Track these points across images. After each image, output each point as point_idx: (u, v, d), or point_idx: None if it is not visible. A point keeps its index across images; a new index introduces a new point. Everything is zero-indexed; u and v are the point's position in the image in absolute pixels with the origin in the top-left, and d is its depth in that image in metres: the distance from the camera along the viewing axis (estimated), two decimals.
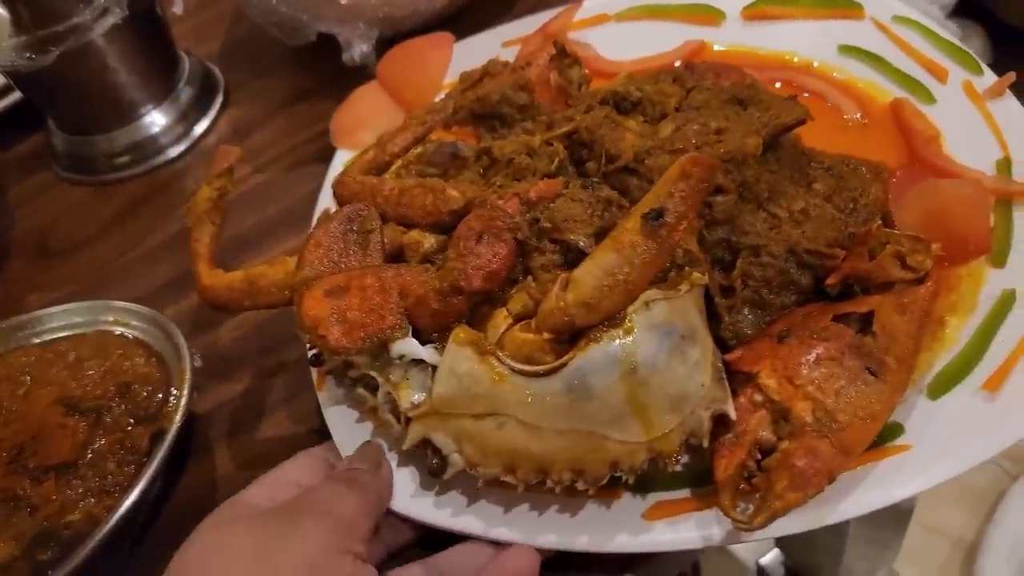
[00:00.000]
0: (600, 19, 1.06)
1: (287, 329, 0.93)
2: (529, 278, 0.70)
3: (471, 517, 0.70)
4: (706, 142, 0.76)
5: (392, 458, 0.74)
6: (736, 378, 0.68)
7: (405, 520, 0.71)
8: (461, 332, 0.67)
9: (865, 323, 0.69)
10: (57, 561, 0.73)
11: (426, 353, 0.69)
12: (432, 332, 0.70)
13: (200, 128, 1.24)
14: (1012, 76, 0.84)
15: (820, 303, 0.72)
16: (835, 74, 0.94)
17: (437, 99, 0.98)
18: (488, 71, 0.95)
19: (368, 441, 0.75)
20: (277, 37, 1.18)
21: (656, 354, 0.63)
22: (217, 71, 1.31)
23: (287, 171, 1.14)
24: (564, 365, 0.63)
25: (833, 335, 0.67)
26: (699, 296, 0.67)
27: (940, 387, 0.68)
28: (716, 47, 1.01)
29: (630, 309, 0.63)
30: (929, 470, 0.63)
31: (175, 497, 0.84)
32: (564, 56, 0.94)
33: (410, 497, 0.72)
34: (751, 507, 0.62)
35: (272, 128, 1.21)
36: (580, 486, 0.64)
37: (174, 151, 1.21)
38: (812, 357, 0.66)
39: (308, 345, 0.78)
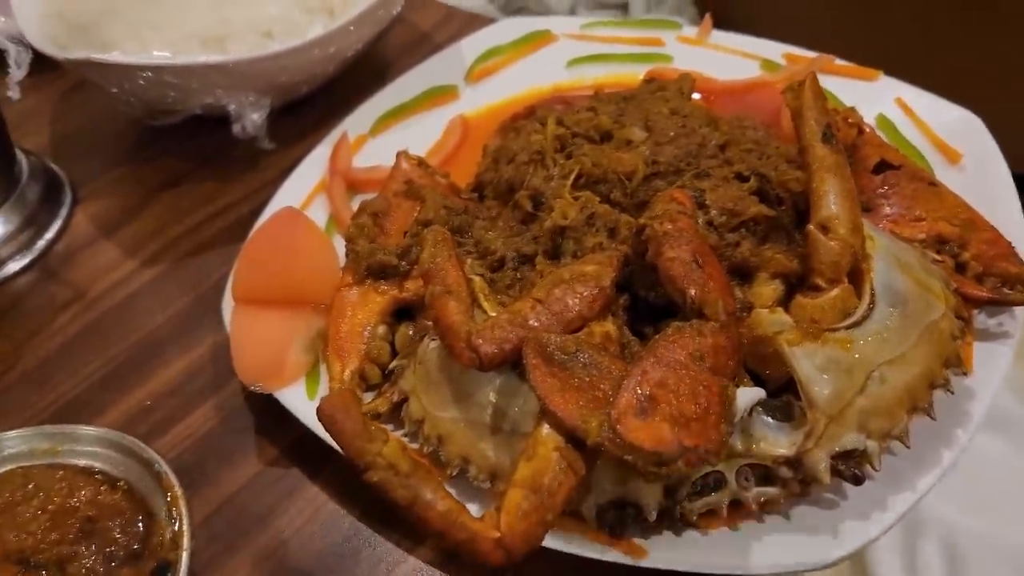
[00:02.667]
0: (360, 141, 0.98)
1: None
2: (734, 280, 0.67)
3: None
4: (677, 122, 0.80)
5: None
6: None
7: None
8: (791, 335, 0.61)
9: (879, 170, 0.83)
10: None
11: (759, 392, 0.61)
12: (735, 377, 0.62)
13: (50, 234, 1.01)
14: (709, 15, 1.06)
15: None
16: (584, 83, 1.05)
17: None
18: (374, 212, 0.82)
19: None
20: (137, 116, 1.06)
21: (889, 242, 0.69)
22: (54, 166, 1.08)
23: (183, 261, 0.97)
24: (873, 292, 0.64)
25: (896, 180, 0.79)
26: None
27: None
28: None
29: None
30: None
31: None
32: (418, 161, 0.87)
33: None
34: None
35: (148, 219, 1.02)
36: (955, 374, 0.65)
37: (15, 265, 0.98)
38: (905, 200, 0.78)
39: (602, 517, 0.61)
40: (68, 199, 1.05)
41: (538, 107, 0.93)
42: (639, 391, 0.57)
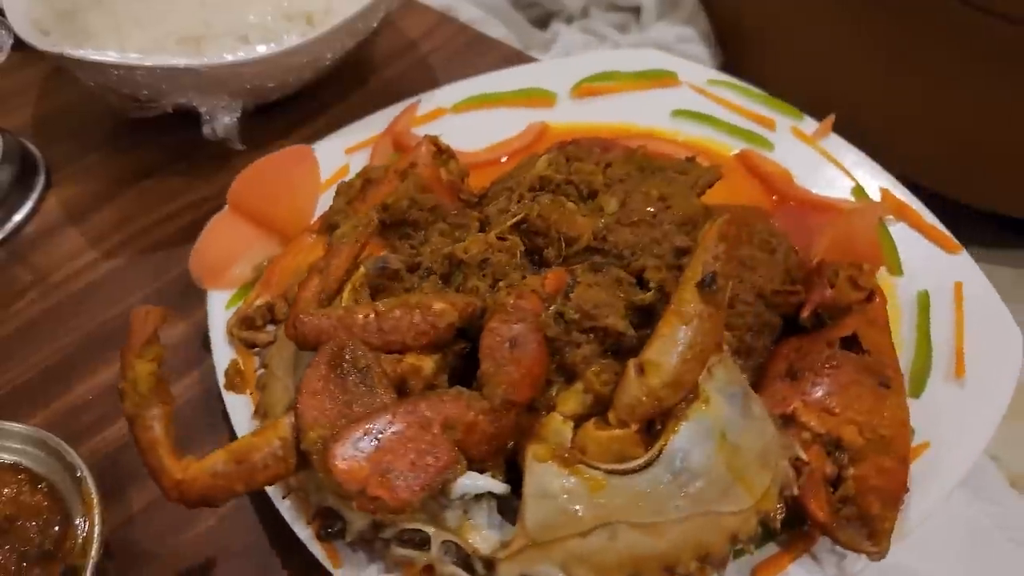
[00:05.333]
0: (438, 113, 1.04)
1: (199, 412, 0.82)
2: (561, 378, 0.67)
3: None
4: (658, 209, 0.78)
5: None
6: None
7: None
8: (540, 448, 0.61)
9: (848, 345, 0.75)
10: None
11: (492, 484, 0.62)
12: (484, 460, 0.63)
13: (19, 216, 1.03)
14: (833, 117, 0.98)
15: (796, 338, 0.77)
16: (674, 136, 1.02)
17: (314, 217, 0.89)
18: (369, 178, 0.88)
19: None
20: (114, 106, 1.03)
21: (734, 416, 0.63)
22: (32, 147, 1.10)
23: (146, 254, 0.99)
24: (661, 452, 0.61)
25: (842, 361, 0.72)
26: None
27: (917, 386, 0.76)
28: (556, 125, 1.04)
29: (700, 379, 0.63)
30: (954, 461, 0.71)
31: None
32: (441, 152, 0.91)
33: None
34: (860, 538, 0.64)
35: (114, 209, 1.04)
36: (708, 572, 0.61)
37: None
38: (835, 385, 0.71)
39: (314, 520, 0.66)
40: (42, 182, 1.07)
41: (582, 142, 0.93)
42: (370, 427, 0.60)
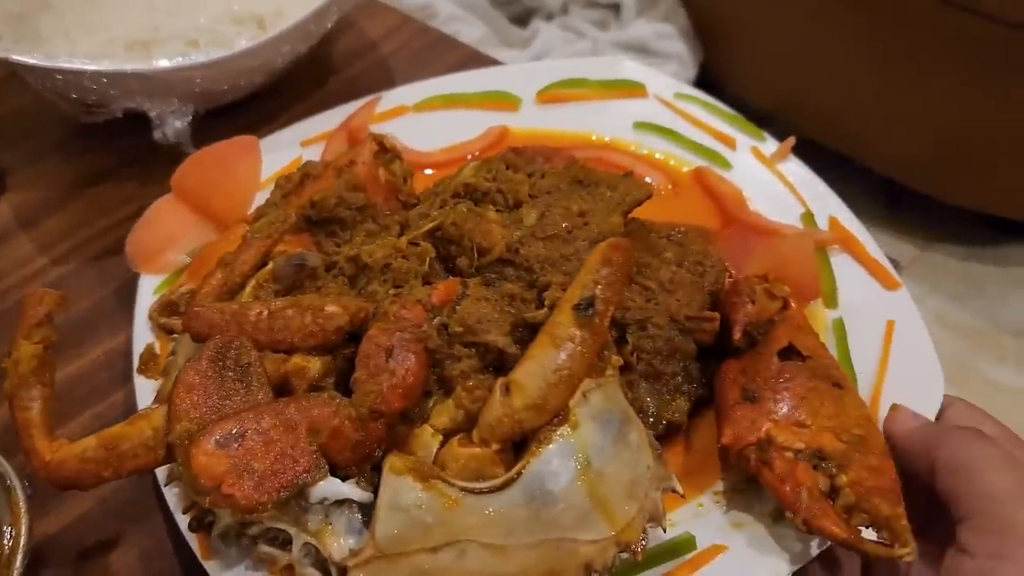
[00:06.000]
0: (399, 111, 1.04)
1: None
2: (459, 389, 0.66)
3: None
4: (575, 225, 0.77)
5: None
6: (746, 453, 0.68)
7: None
8: (396, 460, 0.61)
9: (786, 355, 0.73)
10: None
11: (351, 491, 0.62)
12: (349, 467, 0.63)
13: None
14: (792, 140, 0.95)
15: (735, 360, 0.75)
16: (635, 149, 1.01)
17: (252, 208, 0.90)
18: (308, 173, 0.89)
19: None
20: (65, 111, 1.03)
21: (604, 444, 0.62)
22: None
23: (93, 261, 0.99)
24: (519, 474, 0.60)
25: (794, 372, 0.71)
26: (618, 378, 0.68)
27: None
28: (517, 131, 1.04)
29: (571, 403, 0.62)
30: None
31: None
32: (385, 151, 0.91)
33: None
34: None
35: (66, 214, 1.05)
36: None
37: None
38: (796, 398, 0.69)
39: (188, 510, 0.67)
40: None
41: (526, 150, 0.92)
42: (235, 425, 0.61)
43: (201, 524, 0.67)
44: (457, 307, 0.68)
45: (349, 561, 0.60)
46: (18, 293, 0.97)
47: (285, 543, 0.64)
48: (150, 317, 0.83)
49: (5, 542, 0.67)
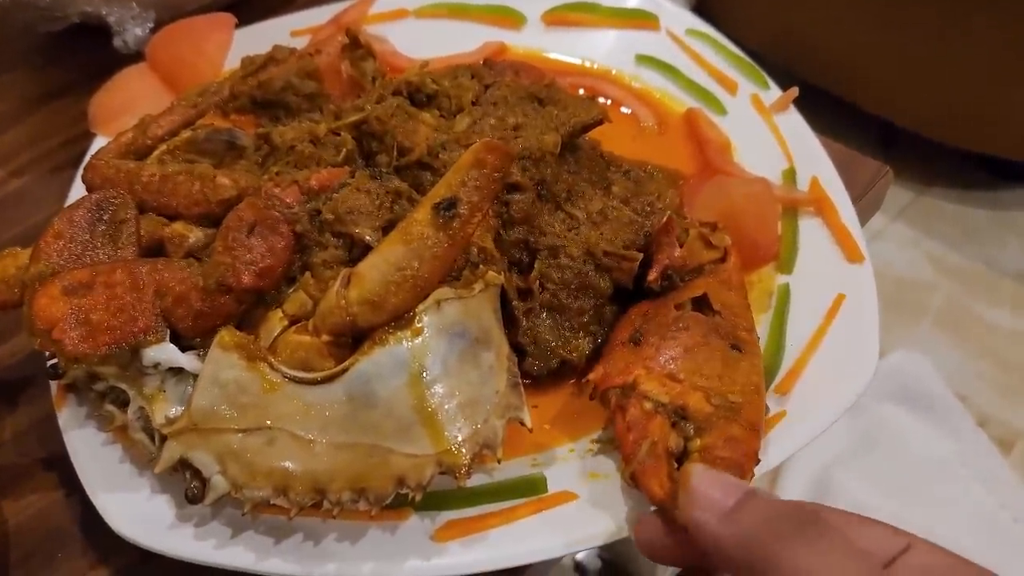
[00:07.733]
0: (399, 14, 1.00)
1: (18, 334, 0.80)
2: (307, 275, 0.63)
3: (239, 549, 0.61)
4: (503, 137, 0.72)
5: (144, 486, 0.63)
6: (608, 395, 0.63)
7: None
8: (226, 335, 0.58)
9: (699, 306, 0.67)
10: None
11: (186, 360, 0.60)
12: (194, 337, 0.61)
13: None
14: (795, 91, 0.86)
15: (647, 302, 0.69)
16: (632, 83, 0.94)
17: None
18: (273, 57, 0.87)
19: None
20: (25, 21, 1.01)
21: (447, 358, 0.58)
22: None
23: (50, 174, 0.98)
24: (345, 370, 0.57)
25: (690, 323, 0.64)
26: (495, 297, 0.63)
27: None
28: (517, 50, 0.98)
29: (420, 308, 0.58)
30: None
31: None
32: (357, 47, 0.87)
33: (167, 530, 0.62)
34: None
35: (25, 128, 1.03)
36: (362, 506, 0.57)
37: None
38: (680, 349, 0.63)
39: (46, 353, 0.67)
40: None
41: (498, 64, 0.87)
42: (86, 275, 0.60)
43: (56, 373, 0.67)
44: (336, 195, 0.64)
45: (165, 428, 0.59)
46: None
47: (123, 404, 0.63)
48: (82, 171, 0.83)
49: None
